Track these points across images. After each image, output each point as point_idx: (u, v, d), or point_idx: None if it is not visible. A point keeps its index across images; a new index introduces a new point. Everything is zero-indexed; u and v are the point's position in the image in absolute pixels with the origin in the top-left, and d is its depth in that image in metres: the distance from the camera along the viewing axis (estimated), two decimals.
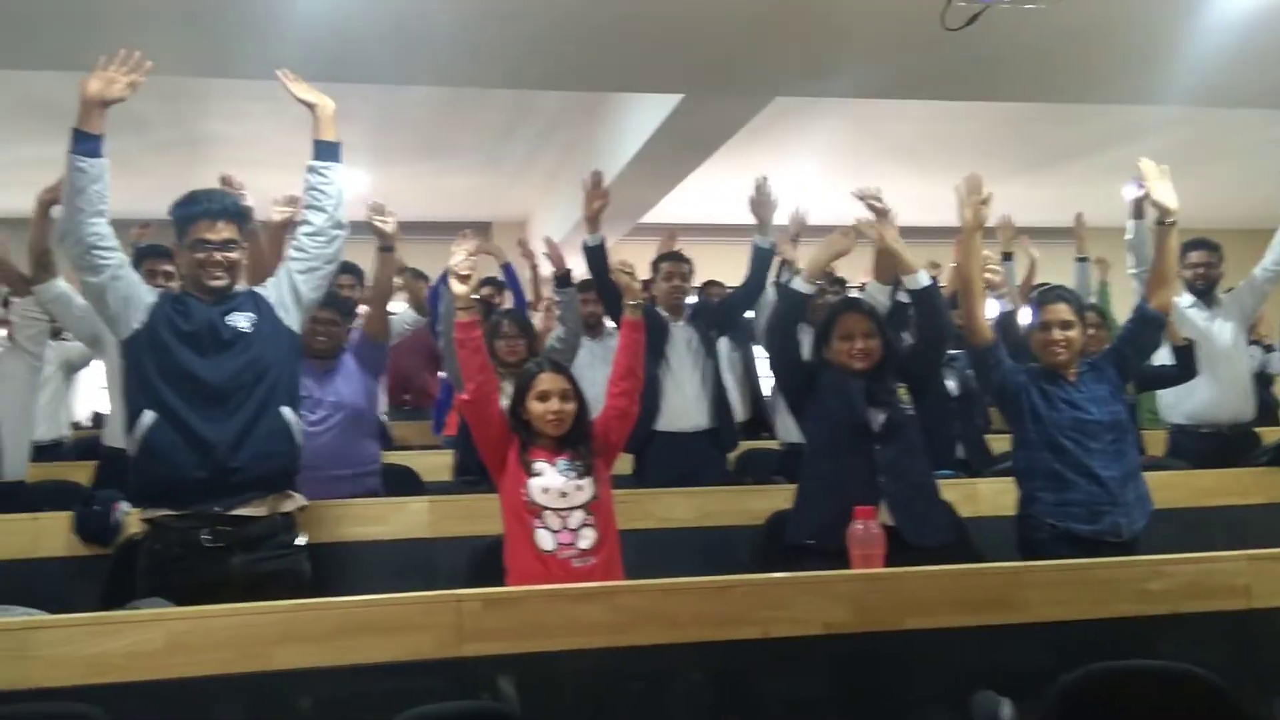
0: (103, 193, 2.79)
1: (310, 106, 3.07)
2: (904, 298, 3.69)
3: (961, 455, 4.62)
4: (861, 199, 3.56)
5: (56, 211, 2.91)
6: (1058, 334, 3.33)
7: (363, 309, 4.26)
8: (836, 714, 2.67)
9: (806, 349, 3.51)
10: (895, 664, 2.62)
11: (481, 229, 8.73)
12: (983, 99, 5.93)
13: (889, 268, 3.82)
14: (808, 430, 3.42)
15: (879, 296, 3.91)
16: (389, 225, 3.82)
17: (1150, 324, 3.42)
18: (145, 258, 4.09)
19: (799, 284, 3.41)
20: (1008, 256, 5.47)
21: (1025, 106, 6.38)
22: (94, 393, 7.06)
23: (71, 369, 5.26)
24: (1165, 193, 3.39)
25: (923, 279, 3.34)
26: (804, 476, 3.40)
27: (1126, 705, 2.09)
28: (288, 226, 3.58)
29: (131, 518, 3.41)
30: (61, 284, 3.69)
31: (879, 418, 3.24)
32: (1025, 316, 5.32)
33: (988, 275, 3.61)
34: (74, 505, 3.52)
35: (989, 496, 4.02)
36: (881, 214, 3.49)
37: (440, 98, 6.31)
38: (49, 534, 3.42)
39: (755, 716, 2.68)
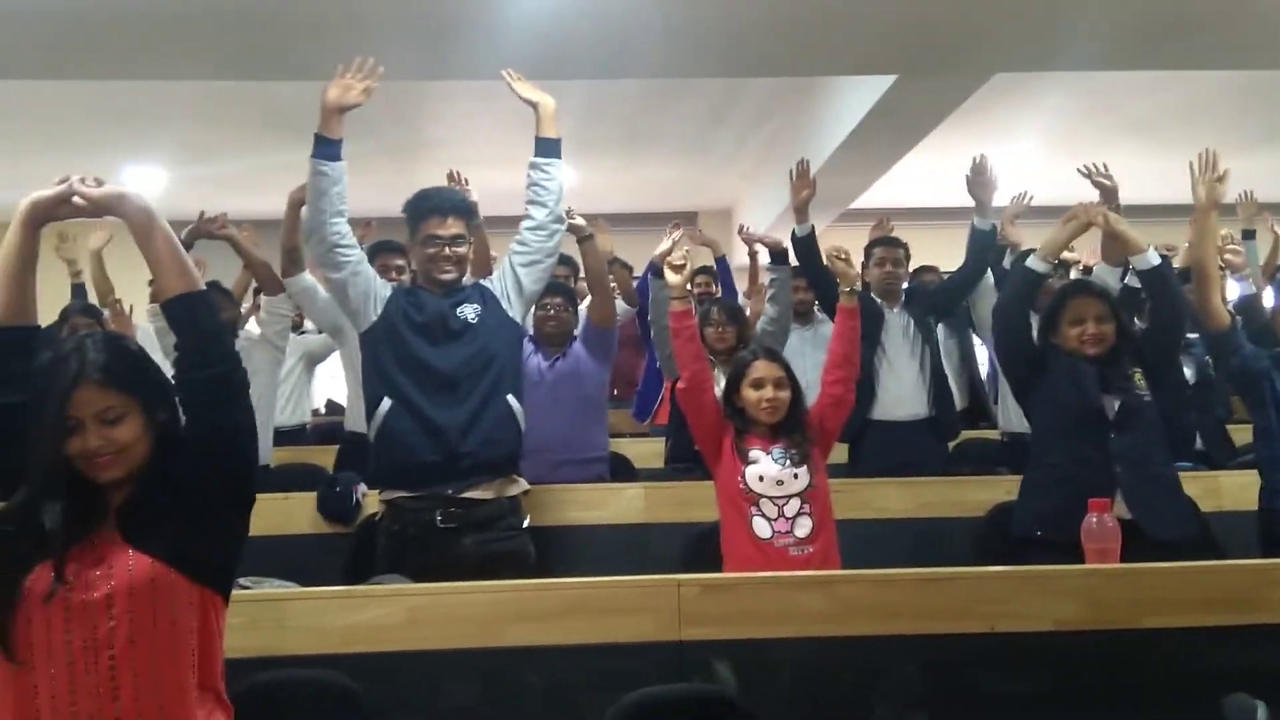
0: (343, 194, 2.97)
1: (533, 105, 3.17)
2: (1134, 280, 3.49)
3: (1201, 447, 4.34)
4: (1087, 176, 3.39)
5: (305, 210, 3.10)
6: None
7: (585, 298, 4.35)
8: (1065, 715, 2.57)
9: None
10: (1132, 664, 2.49)
11: (687, 219, 8.80)
12: (1219, 67, 5.54)
13: (1117, 249, 3.63)
14: (1035, 418, 3.28)
15: (1108, 279, 3.72)
16: (576, 219, 3.87)
17: None
18: (379, 253, 4.33)
19: (1034, 263, 3.26)
20: (1249, 234, 5.10)
21: (1267, 73, 5.91)
22: (329, 382, 7.56)
23: (313, 360, 5.61)
24: None
25: (1152, 258, 3.15)
26: (1031, 466, 3.27)
27: None
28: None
29: (370, 498, 3.63)
30: (308, 277, 3.93)
31: (1114, 404, 3.08)
32: (1270, 299, 4.97)
33: (1227, 256, 3.39)
34: (317, 487, 3.77)
35: (1231, 490, 3.78)
36: (1109, 192, 3.32)
37: (646, 89, 6.38)
38: (296, 513, 3.68)
39: (974, 713, 2.61)
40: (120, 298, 4.89)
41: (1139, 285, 3.40)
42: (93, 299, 5.18)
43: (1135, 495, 2.99)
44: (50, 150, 6.92)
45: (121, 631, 1.65)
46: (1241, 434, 4.59)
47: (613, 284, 5.15)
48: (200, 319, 1.81)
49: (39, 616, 1.64)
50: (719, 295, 5.37)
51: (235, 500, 1.83)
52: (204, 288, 1.85)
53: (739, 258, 7.07)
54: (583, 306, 4.22)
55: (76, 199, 1.78)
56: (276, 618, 2.37)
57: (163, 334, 4.17)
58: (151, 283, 4.13)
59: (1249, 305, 3.98)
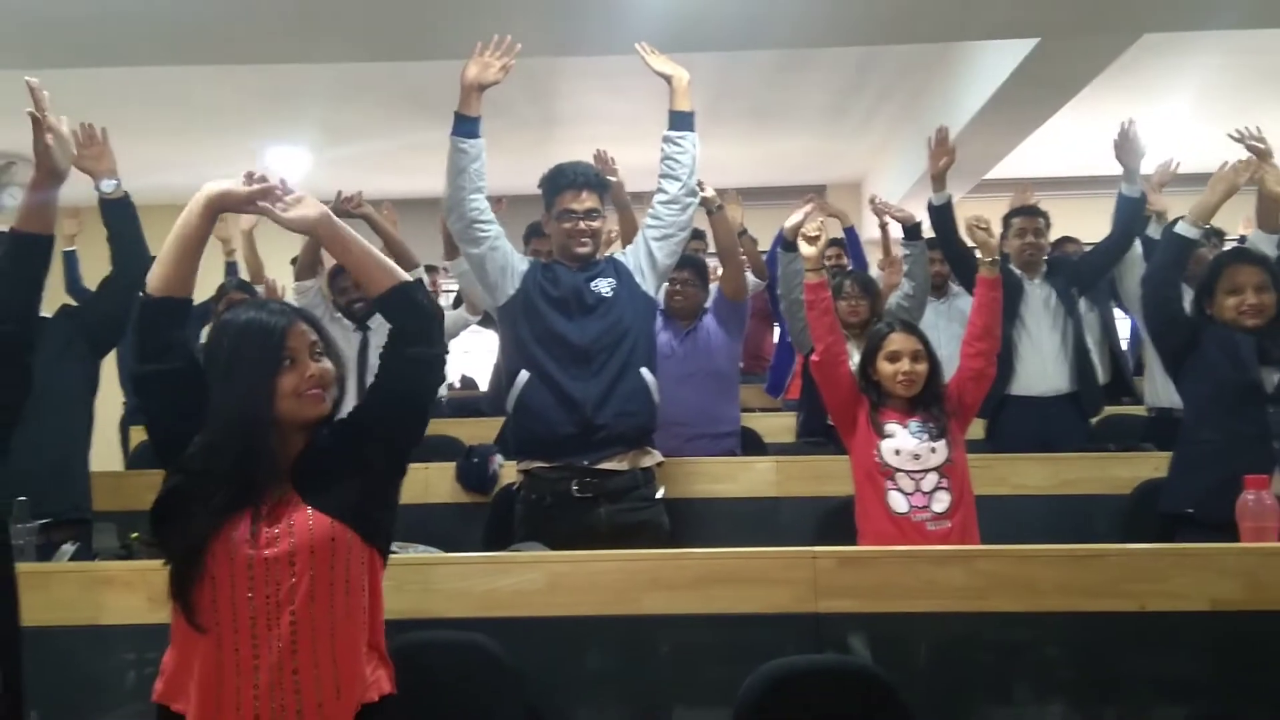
0: (481, 171, 3.02)
1: (666, 78, 3.17)
2: None
3: None
4: (1239, 140, 3.24)
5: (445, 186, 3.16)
6: None
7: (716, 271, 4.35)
8: (1217, 697, 2.49)
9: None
10: None
11: (816, 192, 8.69)
12: None
13: (1274, 215, 3.45)
14: (1188, 392, 3.15)
15: (1264, 247, 3.54)
16: (708, 191, 3.82)
17: None
18: (533, 236, 4.41)
19: (1184, 229, 3.15)
20: None
21: None
22: (462, 358, 7.76)
23: (446, 336, 5.75)
24: None
25: None
26: (1184, 442, 3.15)
27: None
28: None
29: (506, 469, 3.71)
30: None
31: (1274, 378, 2.94)
32: None
33: None
34: (454, 458, 3.88)
35: None
36: (1265, 155, 3.16)
37: (776, 61, 6.30)
38: (436, 482, 3.79)
39: (1120, 694, 2.54)
40: (272, 277, 5.10)
41: None
42: (244, 276, 5.40)
43: None
44: (200, 134, 7.22)
45: (302, 589, 1.73)
46: None
47: (742, 257, 5.15)
48: (422, 304, 1.91)
49: (223, 574, 1.71)
50: (850, 267, 5.30)
51: (401, 465, 1.91)
52: (411, 278, 1.93)
53: (869, 230, 6.97)
54: (713, 281, 4.22)
55: (258, 200, 1.87)
56: (423, 581, 2.46)
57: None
58: (294, 261, 4.36)
59: None
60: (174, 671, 1.77)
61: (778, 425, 4.82)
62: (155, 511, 1.75)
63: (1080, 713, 2.59)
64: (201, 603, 1.71)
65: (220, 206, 1.88)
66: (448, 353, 1.96)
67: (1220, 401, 3.00)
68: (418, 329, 1.88)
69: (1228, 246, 4.35)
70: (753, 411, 5.35)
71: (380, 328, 4.49)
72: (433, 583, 2.46)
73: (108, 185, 3.17)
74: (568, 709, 2.55)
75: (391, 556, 2.41)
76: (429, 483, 3.78)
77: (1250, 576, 2.38)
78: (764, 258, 5.12)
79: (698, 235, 5.04)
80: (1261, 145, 3.36)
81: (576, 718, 2.58)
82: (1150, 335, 3.42)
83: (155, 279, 1.85)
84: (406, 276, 1.91)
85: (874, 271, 5.33)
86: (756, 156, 8.64)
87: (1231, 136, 3.32)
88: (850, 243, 5.61)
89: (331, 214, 1.90)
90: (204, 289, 5.12)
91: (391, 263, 1.94)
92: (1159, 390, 4.28)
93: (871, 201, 5.04)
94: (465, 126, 2.99)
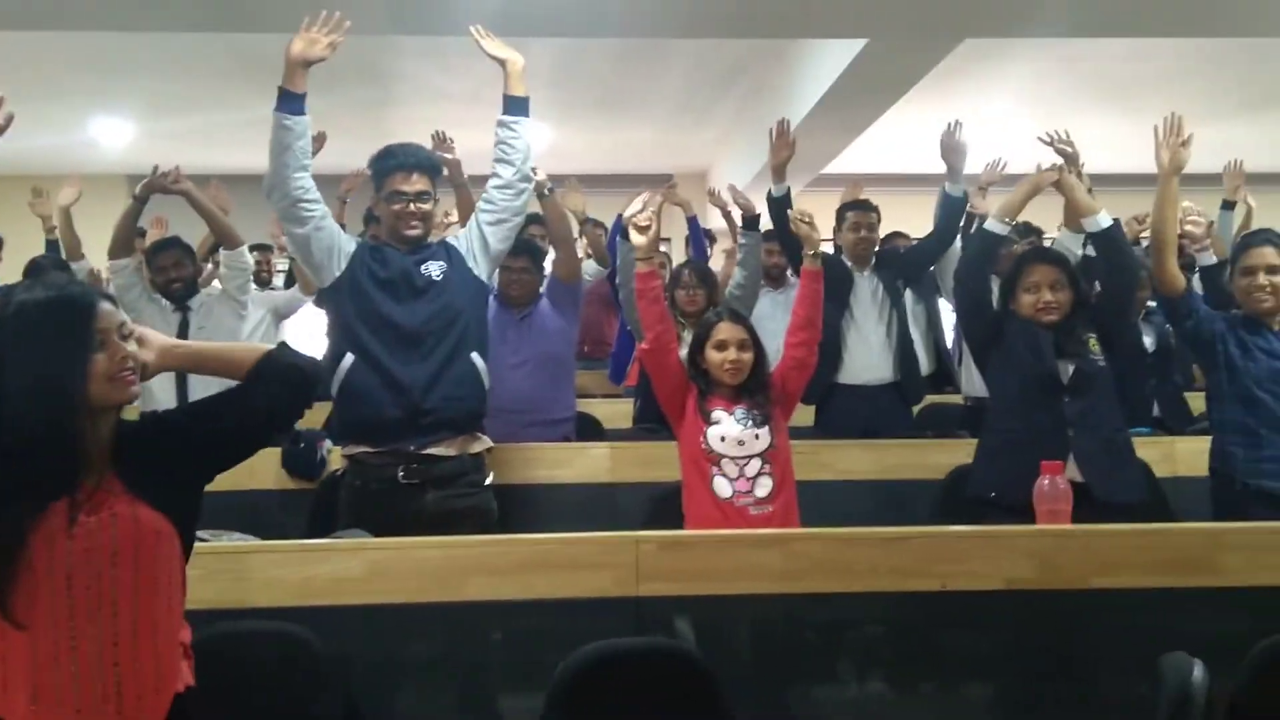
0: (306, 149, 2.95)
1: (501, 63, 3.15)
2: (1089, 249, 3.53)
3: (1158, 413, 4.40)
4: (1049, 144, 3.42)
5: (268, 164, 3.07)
6: (1263, 279, 3.14)
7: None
8: (1016, 670, 2.63)
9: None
10: (1081, 623, 2.55)
11: (663, 180, 8.77)
12: (1190, 34, 5.55)
13: (1079, 214, 3.66)
14: (993, 382, 3.32)
15: (1070, 245, 3.75)
16: (539, 175, 3.83)
17: None
18: (373, 220, 4.26)
19: (992, 224, 3.30)
20: (1229, 205, 5.14)
21: (1238, 41, 5.93)
22: (298, 340, 7.52)
23: (279, 315, 5.58)
24: None
25: (1103, 220, 3.20)
26: (988, 429, 3.32)
27: None
28: None
29: (334, 454, 3.63)
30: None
31: (1068, 369, 3.12)
32: None
33: (1187, 226, 3.41)
34: (282, 442, 3.77)
35: (1187, 456, 3.83)
36: (1072, 160, 3.35)
37: (621, 50, 6.35)
38: (261, 468, 3.68)
39: (930, 669, 2.67)
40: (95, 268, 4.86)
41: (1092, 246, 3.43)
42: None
43: (1087, 459, 3.04)
44: (17, 100, 6.80)
45: (124, 580, 1.66)
46: (1199, 401, 4.66)
47: (585, 244, 5.17)
48: (284, 375, 1.86)
49: (41, 565, 1.62)
50: (689, 257, 5.38)
51: (228, 467, 1.86)
52: (268, 347, 1.90)
53: (715, 220, 7.08)
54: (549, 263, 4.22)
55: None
56: (235, 570, 2.39)
57: (122, 290, 4.17)
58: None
59: (1212, 276, 4.02)
60: None
61: (618, 411, 4.86)
62: None
63: (898, 688, 2.71)
64: (18, 596, 1.62)
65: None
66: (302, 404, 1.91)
67: (1021, 392, 3.17)
68: (290, 400, 1.87)
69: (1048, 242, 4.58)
70: (594, 398, 5.38)
71: (201, 307, 4.35)
72: (246, 571, 2.39)
73: None
74: (390, 698, 2.53)
75: (203, 544, 2.35)
76: (253, 469, 3.65)
77: (1043, 557, 2.52)
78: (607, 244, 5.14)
79: (536, 220, 5.03)
80: (1069, 149, 3.55)
81: (399, 707, 2.56)
82: (961, 326, 3.58)
83: None
84: (266, 348, 1.87)
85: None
86: (605, 144, 8.68)
87: (1042, 140, 3.50)
88: (692, 232, 5.69)
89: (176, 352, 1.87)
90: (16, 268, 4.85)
91: (244, 346, 1.89)
92: (975, 381, 4.47)
93: (711, 193, 5.13)
94: (290, 103, 2.91)
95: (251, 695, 2.14)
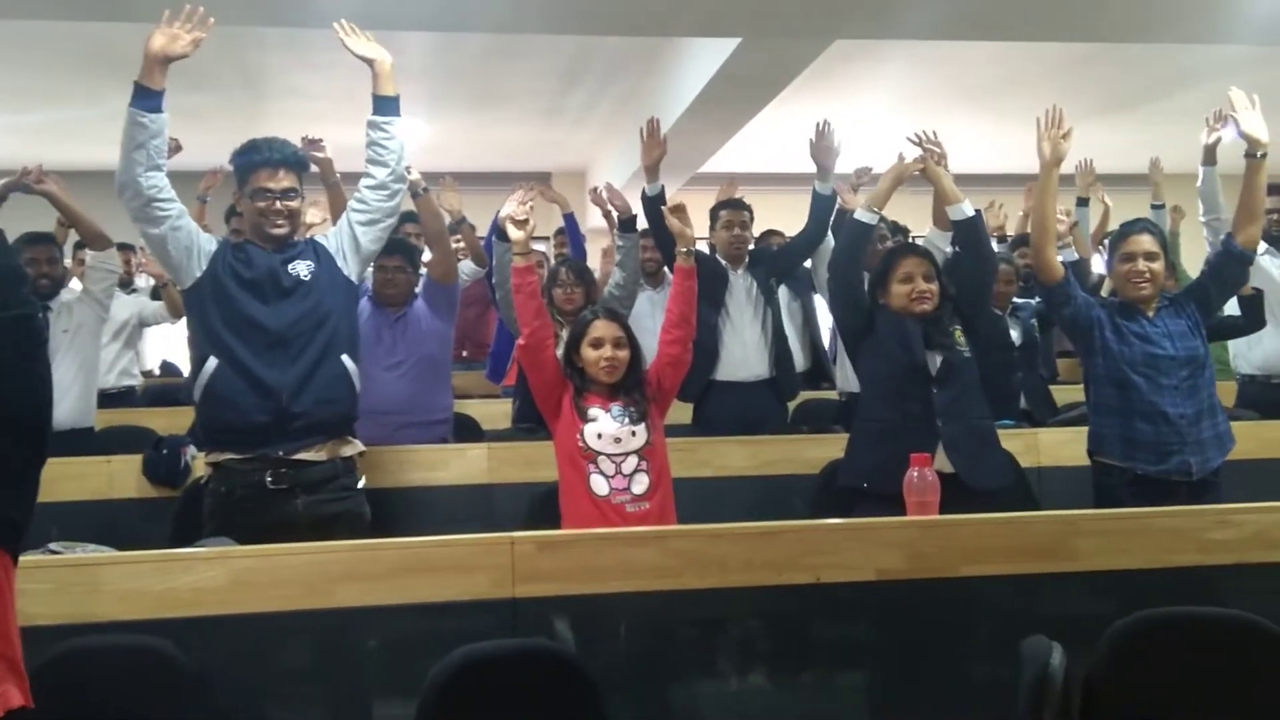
0: (162, 147, 2.84)
1: (368, 62, 3.07)
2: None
3: (1025, 406, 4.56)
4: (917, 144, 3.51)
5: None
6: (1142, 265, 3.27)
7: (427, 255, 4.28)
8: (889, 659, 2.69)
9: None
10: (949, 610, 2.62)
11: (541, 179, 8.74)
12: (1049, 39, 5.77)
13: (946, 214, 3.77)
14: (863, 373, 3.40)
15: (939, 243, 3.85)
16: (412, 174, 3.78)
17: (1236, 259, 3.31)
18: (234, 216, 4.14)
19: (861, 214, 3.38)
20: (1083, 202, 5.35)
21: (1099, 47, 6.19)
22: (165, 343, 7.28)
23: (144, 321, 5.39)
24: (1255, 124, 3.27)
25: (967, 209, 3.33)
26: (859, 420, 3.39)
27: (1181, 652, 2.06)
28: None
29: (199, 461, 3.51)
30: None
31: (936, 360, 3.21)
32: (1098, 266, 5.23)
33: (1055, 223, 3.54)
34: (145, 449, 3.63)
35: (1051, 447, 3.98)
36: (939, 159, 3.45)
37: (497, 46, 6.29)
38: (121, 476, 3.54)
39: (807, 660, 2.70)
40: None
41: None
42: None
43: (956, 447, 3.13)
44: None
45: None
46: (1063, 394, 4.85)
47: (461, 244, 5.10)
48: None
49: None
50: (568, 254, 5.35)
51: (29, 453, 1.73)
52: None
53: (594, 219, 7.07)
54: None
55: None
56: (89, 583, 2.27)
57: None
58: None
59: (1077, 270, 4.18)
60: None
61: (497, 412, 4.81)
62: None
63: (776, 680, 2.73)
64: None
65: None
66: (33, 321, 1.72)
67: (891, 383, 3.24)
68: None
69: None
70: (473, 398, 5.33)
71: (63, 308, 4.15)
72: (101, 584, 2.28)
73: None
74: (259, 711, 2.45)
75: (53, 557, 2.25)
76: (112, 477, 3.52)
77: (912, 547, 2.57)
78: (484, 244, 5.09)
79: (411, 219, 4.96)
80: (936, 149, 3.64)
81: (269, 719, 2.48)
82: (834, 318, 3.64)
83: None
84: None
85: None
86: (482, 142, 8.60)
87: (910, 139, 3.59)
88: (570, 230, 5.67)
89: None
90: None
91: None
92: (850, 377, 4.56)
93: (592, 192, 5.12)
94: (147, 100, 2.79)
95: (108, 714, 2.05)
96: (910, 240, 4.33)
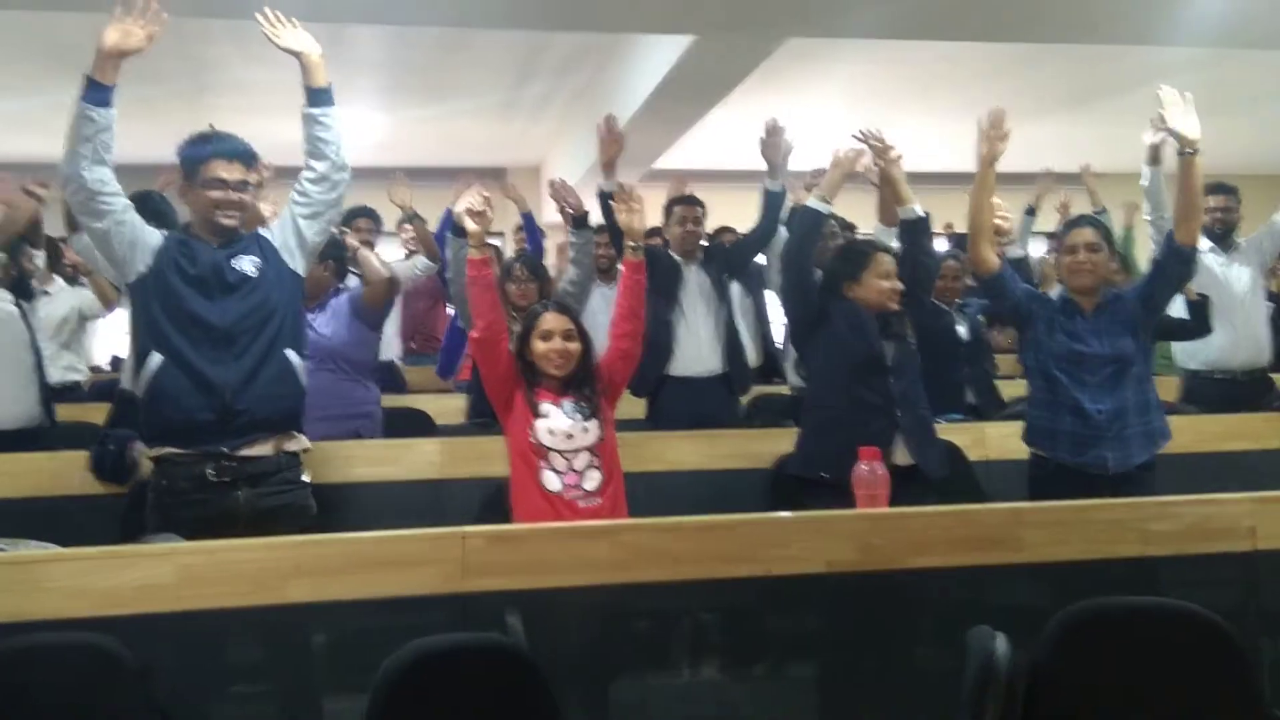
0: (109, 142, 2.79)
1: (295, 54, 3.01)
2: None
3: (971, 400, 4.61)
4: (864, 141, 3.56)
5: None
6: (1083, 255, 3.35)
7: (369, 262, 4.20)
8: (839, 650, 2.71)
9: None
10: (897, 602, 2.65)
11: (495, 174, 8.70)
12: (998, 39, 5.85)
13: (893, 211, 3.83)
14: (815, 363, 3.46)
15: (885, 239, 3.90)
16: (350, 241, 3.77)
17: (1177, 256, 3.37)
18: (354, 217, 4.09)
19: (814, 203, 3.47)
20: (1031, 211, 5.45)
21: (1048, 47, 6.28)
22: (113, 337, 7.16)
23: (85, 315, 5.30)
24: (1184, 121, 3.31)
25: (919, 210, 3.47)
26: (811, 409, 3.43)
27: (1123, 641, 2.10)
28: None
29: (145, 457, 3.46)
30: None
31: (890, 350, 3.27)
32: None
33: (997, 221, 3.59)
34: (90, 445, 3.57)
35: (997, 440, 4.03)
36: (882, 152, 3.53)
37: (451, 40, 6.25)
38: (65, 472, 3.47)
39: (759, 652, 2.73)
40: None
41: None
42: None
43: (912, 438, 3.22)
44: None
45: None
46: (1010, 388, 4.91)
47: (413, 239, 5.08)
48: None
49: None
50: (525, 250, 5.36)
51: None
52: None
53: (550, 215, 7.06)
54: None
55: None
56: (31, 580, 2.24)
57: None
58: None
59: (1018, 265, 4.24)
60: None
61: (450, 407, 4.79)
62: None
63: (730, 672, 2.75)
64: None
65: None
66: None
67: (847, 372, 3.30)
68: None
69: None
70: (426, 393, 5.31)
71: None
72: (43, 581, 2.24)
73: None
74: (207, 709, 2.42)
75: None
76: (57, 473, 3.46)
77: (861, 540, 2.60)
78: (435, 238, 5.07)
79: (365, 214, 4.95)
80: (879, 144, 3.68)
81: (216, 718, 2.45)
82: (785, 306, 3.68)
83: None
84: None
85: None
86: (436, 135, 8.55)
87: (856, 136, 3.63)
88: (527, 227, 5.67)
89: None
90: None
91: None
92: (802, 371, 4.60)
93: (551, 184, 5.11)
94: (98, 94, 2.75)
95: (52, 713, 2.02)
96: (859, 236, 4.39)
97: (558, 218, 5.77)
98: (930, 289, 3.63)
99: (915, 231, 3.45)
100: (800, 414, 3.72)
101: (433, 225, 5.27)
